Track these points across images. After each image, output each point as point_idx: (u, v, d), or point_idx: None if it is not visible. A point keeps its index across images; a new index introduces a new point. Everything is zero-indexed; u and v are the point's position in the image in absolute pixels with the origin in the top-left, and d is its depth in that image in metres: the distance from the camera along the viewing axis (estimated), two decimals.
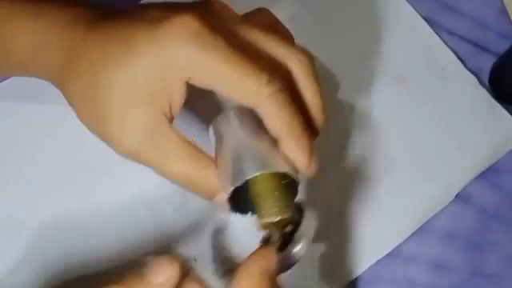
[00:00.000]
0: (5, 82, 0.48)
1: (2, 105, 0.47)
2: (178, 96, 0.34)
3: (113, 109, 0.34)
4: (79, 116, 0.37)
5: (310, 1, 0.53)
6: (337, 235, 0.46)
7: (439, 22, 0.53)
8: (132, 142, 0.35)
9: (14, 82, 0.48)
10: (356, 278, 0.45)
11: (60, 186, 0.45)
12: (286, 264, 0.35)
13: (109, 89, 0.34)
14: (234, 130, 0.36)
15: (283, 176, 0.35)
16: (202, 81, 0.34)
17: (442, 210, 0.48)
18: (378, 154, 0.48)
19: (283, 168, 0.35)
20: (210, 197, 0.36)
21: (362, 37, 0.52)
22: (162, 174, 0.36)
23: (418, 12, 0.53)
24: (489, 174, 0.49)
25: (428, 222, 0.47)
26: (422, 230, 0.47)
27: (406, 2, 0.53)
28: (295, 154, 0.35)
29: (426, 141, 0.49)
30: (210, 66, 0.33)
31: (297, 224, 0.36)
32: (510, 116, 0.50)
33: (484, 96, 0.51)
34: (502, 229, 0.48)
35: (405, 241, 0.47)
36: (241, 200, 0.35)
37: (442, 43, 0.52)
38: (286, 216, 0.35)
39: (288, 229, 0.36)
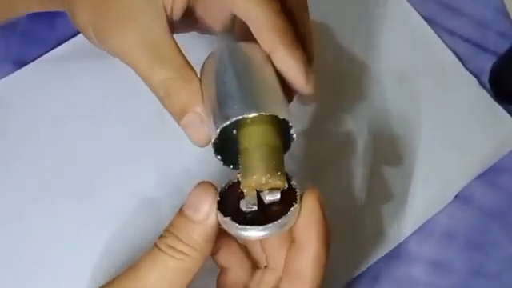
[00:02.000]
0: (6, 78, 0.48)
1: (3, 104, 0.47)
2: None
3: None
4: (78, 18, 0.35)
5: (309, 1, 0.53)
6: (336, 235, 0.46)
7: (439, 22, 0.53)
8: (126, 38, 0.33)
9: (15, 80, 0.48)
10: (356, 278, 0.45)
11: (60, 187, 0.45)
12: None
13: None
14: (224, 66, 0.33)
15: (275, 130, 0.31)
16: None
17: (442, 210, 0.48)
18: (378, 153, 0.48)
19: (276, 110, 0.31)
20: (179, 114, 0.33)
21: (361, 37, 0.52)
22: (142, 76, 0.34)
23: (419, 12, 0.53)
24: (489, 174, 0.49)
25: (428, 221, 0.47)
26: (422, 230, 0.47)
27: (406, 2, 0.53)
28: (291, 65, 0.33)
29: (426, 141, 0.49)
30: None
31: (284, 197, 0.31)
32: (509, 116, 0.50)
33: (484, 96, 0.51)
34: (502, 229, 0.48)
35: (405, 241, 0.47)
36: (231, 154, 0.32)
37: (442, 43, 0.52)
38: (274, 179, 0.30)
39: (270, 198, 0.31)
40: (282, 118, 0.30)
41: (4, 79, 0.48)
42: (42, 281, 0.43)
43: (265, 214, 0.30)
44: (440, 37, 0.52)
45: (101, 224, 0.44)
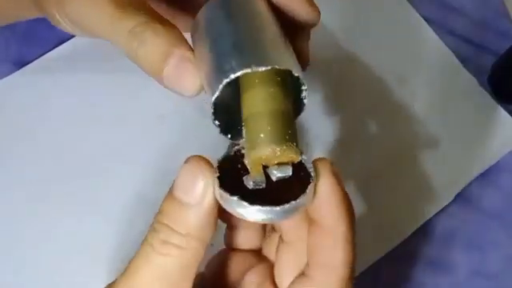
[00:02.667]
0: (6, 78, 0.48)
1: (3, 104, 0.47)
2: None
3: None
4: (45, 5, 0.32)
5: None
6: None
7: (439, 22, 0.53)
8: (88, 4, 0.29)
9: (15, 81, 0.48)
10: (355, 278, 0.45)
11: (59, 187, 0.45)
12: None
13: None
14: (221, 15, 0.28)
15: (286, 93, 0.26)
16: None
17: (441, 210, 0.48)
18: (378, 154, 0.48)
19: (290, 65, 0.25)
20: (158, 64, 0.27)
21: (361, 37, 0.52)
22: (109, 35, 0.29)
23: (419, 12, 0.53)
24: (489, 174, 0.49)
25: (428, 221, 0.47)
26: (422, 230, 0.47)
27: (406, 2, 0.53)
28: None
29: (427, 141, 0.49)
30: None
31: (294, 173, 0.26)
32: (509, 117, 0.50)
33: (484, 97, 0.51)
34: (501, 229, 0.48)
35: (405, 241, 0.47)
36: (229, 125, 0.27)
37: (442, 44, 0.52)
38: (289, 151, 0.25)
39: (280, 174, 0.26)
40: (296, 75, 0.25)
41: (4, 79, 0.48)
42: (41, 281, 0.43)
43: (273, 194, 0.25)
44: (440, 37, 0.52)
45: (101, 224, 0.44)
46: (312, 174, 0.26)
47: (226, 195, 0.25)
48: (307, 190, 0.26)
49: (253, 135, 0.25)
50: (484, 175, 0.49)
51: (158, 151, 0.46)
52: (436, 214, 0.47)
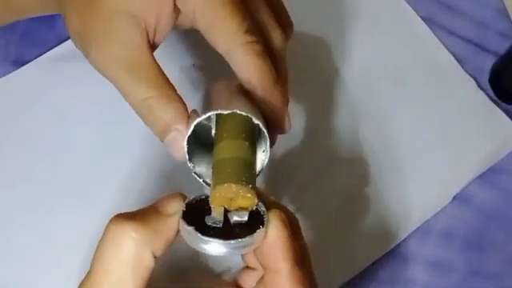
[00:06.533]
0: (5, 77, 0.48)
1: (2, 104, 0.47)
2: (165, 18, 0.34)
3: (100, 13, 0.33)
4: (68, 27, 0.35)
5: (308, 2, 0.53)
6: (335, 235, 0.46)
7: (439, 21, 0.53)
8: (108, 54, 0.33)
9: (14, 80, 0.48)
10: (355, 278, 0.45)
11: (59, 187, 0.45)
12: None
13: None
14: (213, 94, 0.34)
15: (252, 147, 0.31)
16: (189, 4, 0.33)
17: (441, 210, 0.48)
18: (377, 154, 0.48)
19: (252, 114, 0.31)
20: (162, 133, 0.33)
21: (361, 38, 0.52)
22: (123, 94, 0.34)
23: (418, 12, 0.53)
24: (488, 175, 0.49)
25: (428, 222, 0.47)
26: (422, 230, 0.47)
27: (405, 3, 0.53)
28: (269, 105, 0.34)
29: (425, 142, 0.49)
30: None
31: (252, 222, 0.30)
32: (507, 118, 0.50)
33: (482, 98, 0.51)
34: (501, 229, 0.48)
35: (404, 241, 0.47)
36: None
37: (440, 44, 0.52)
38: (245, 192, 0.29)
39: (237, 218, 0.30)
40: (256, 122, 0.31)
41: (3, 79, 0.47)
42: (42, 281, 0.43)
43: (229, 235, 0.29)
44: (440, 37, 0.52)
45: (101, 225, 0.44)
46: (264, 222, 0.29)
47: (184, 224, 0.29)
48: (255, 233, 0.29)
49: (216, 176, 0.30)
50: (483, 176, 0.49)
51: (158, 151, 0.46)
52: (435, 214, 0.47)
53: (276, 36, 0.36)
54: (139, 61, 0.33)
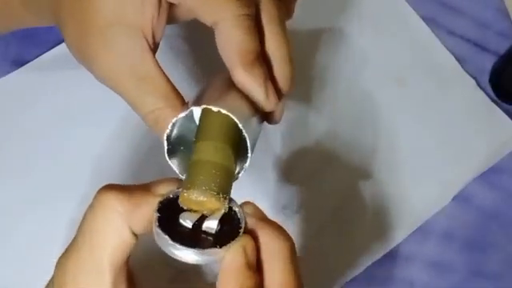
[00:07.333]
0: (5, 77, 0.48)
1: (1, 104, 0.47)
2: (159, 16, 0.33)
3: (96, 28, 0.33)
4: (66, 41, 0.35)
5: (309, 1, 0.53)
6: (335, 235, 0.46)
7: (439, 21, 0.53)
8: (111, 67, 0.33)
9: (14, 80, 0.48)
10: (355, 278, 0.45)
11: (59, 187, 0.45)
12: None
13: (93, 6, 0.33)
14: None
15: (233, 154, 0.30)
16: None
17: (441, 211, 0.48)
18: (377, 154, 0.48)
19: (237, 115, 0.29)
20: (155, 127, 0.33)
21: (361, 38, 0.52)
22: (130, 104, 0.33)
23: (418, 12, 0.53)
24: (488, 175, 0.49)
25: (428, 222, 0.47)
26: (422, 230, 0.47)
27: (405, 3, 0.53)
28: (248, 84, 0.32)
29: (425, 142, 0.49)
30: None
31: (226, 223, 0.29)
32: (508, 118, 0.50)
33: (482, 98, 0.51)
34: (501, 229, 0.48)
35: (404, 241, 0.47)
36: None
37: (441, 45, 0.52)
38: (212, 199, 0.28)
39: (206, 224, 0.29)
40: (240, 125, 0.29)
41: (3, 79, 0.48)
42: (42, 281, 0.43)
43: (201, 243, 0.28)
44: (440, 37, 0.52)
45: None
46: (238, 236, 0.28)
47: (156, 225, 0.28)
48: (223, 247, 0.28)
49: (189, 177, 0.29)
50: (483, 176, 0.49)
51: (159, 151, 0.46)
52: (435, 214, 0.47)
53: (269, 8, 0.34)
54: (144, 72, 0.33)
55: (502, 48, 0.52)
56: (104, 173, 0.46)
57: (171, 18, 0.35)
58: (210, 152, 0.29)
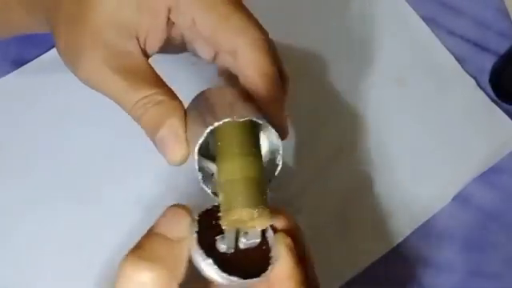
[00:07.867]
0: (4, 77, 0.48)
1: (1, 104, 0.47)
2: (157, 31, 0.33)
3: (89, 27, 0.33)
4: (56, 40, 0.35)
5: (308, 2, 0.53)
6: (335, 235, 0.46)
7: (439, 21, 0.53)
8: (97, 62, 0.33)
9: (13, 80, 0.48)
10: (355, 278, 0.45)
11: (60, 188, 0.45)
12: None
13: (91, 6, 0.33)
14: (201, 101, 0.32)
15: (260, 163, 0.29)
16: (186, 9, 0.32)
17: (441, 210, 0.48)
18: (378, 154, 0.48)
19: (262, 120, 0.28)
20: (152, 129, 0.32)
21: (361, 38, 0.52)
22: (118, 101, 0.33)
23: (418, 12, 0.53)
24: (488, 175, 0.49)
25: (427, 222, 0.47)
26: (422, 230, 0.47)
27: (405, 3, 0.53)
28: (272, 108, 0.32)
29: (425, 142, 0.49)
30: None
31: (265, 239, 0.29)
32: (508, 118, 0.50)
33: (482, 98, 0.51)
34: (501, 229, 0.48)
35: (404, 241, 0.47)
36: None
37: (441, 45, 0.52)
38: (261, 215, 0.27)
39: (247, 242, 0.29)
40: (270, 127, 0.29)
41: (3, 79, 0.48)
42: (42, 281, 0.43)
43: (237, 258, 0.28)
44: (440, 37, 0.52)
45: (101, 227, 0.44)
46: (272, 252, 0.29)
47: (197, 247, 0.27)
48: (267, 271, 0.28)
49: (230, 198, 0.28)
50: (483, 176, 0.49)
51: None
52: (435, 214, 0.47)
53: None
54: (129, 64, 0.33)
55: (502, 48, 0.52)
56: (104, 173, 0.46)
57: (167, 45, 0.35)
58: (245, 168, 0.28)
